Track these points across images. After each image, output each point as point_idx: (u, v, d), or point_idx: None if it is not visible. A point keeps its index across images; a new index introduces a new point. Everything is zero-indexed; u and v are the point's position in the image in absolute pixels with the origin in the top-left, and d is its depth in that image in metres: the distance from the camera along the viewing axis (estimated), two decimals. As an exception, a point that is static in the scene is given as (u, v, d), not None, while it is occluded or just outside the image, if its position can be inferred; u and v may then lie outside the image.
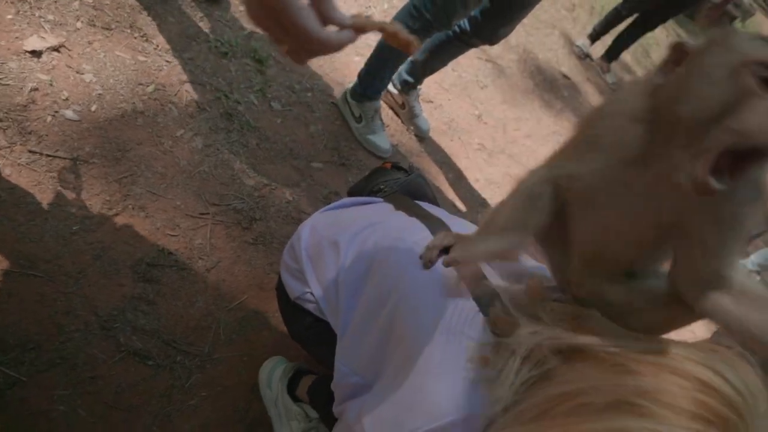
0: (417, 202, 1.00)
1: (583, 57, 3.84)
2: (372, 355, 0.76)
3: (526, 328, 0.61)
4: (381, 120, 1.89)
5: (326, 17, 0.49)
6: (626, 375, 0.53)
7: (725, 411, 0.47)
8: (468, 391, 0.62)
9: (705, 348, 0.55)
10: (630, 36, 3.77)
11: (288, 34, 0.48)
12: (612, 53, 3.89)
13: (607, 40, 3.86)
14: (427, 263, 0.76)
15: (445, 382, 0.64)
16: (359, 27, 0.51)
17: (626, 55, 4.21)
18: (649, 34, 3.91)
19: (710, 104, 0.48)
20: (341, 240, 0.86)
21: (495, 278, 0.75)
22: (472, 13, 1.58)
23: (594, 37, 3.81)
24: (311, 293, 0.89)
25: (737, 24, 6.66)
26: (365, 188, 1.15)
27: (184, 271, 1.26)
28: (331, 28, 0.50)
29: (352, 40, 0.51)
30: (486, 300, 0.69)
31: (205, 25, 1.75)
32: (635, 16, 3.66)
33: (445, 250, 0.77)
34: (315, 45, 0.49)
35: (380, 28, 0.53)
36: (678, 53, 0.53)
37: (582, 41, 3.85)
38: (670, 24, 5.02)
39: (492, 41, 1.69)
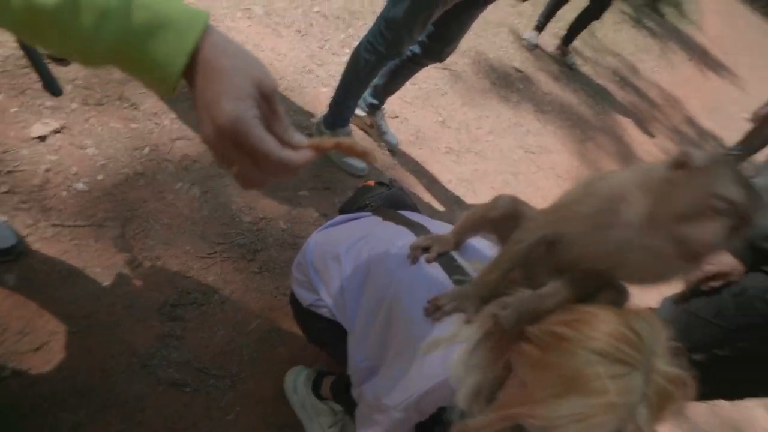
0: (400, 211, 1.19)
1: (532, 48, 4.08)
2: (377, 344, 0.94)
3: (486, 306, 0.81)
4: (354, 143, 2.07)
5: (282, 140, 0.51)
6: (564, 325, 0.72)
7: (632, 352, 0.66)
8: (447, 356, 0.81)
9: (626, 310, 0.74)
10: (585, 21, 4.06)
11: (247, 158, 0.50)
12: (568, 39, 4.17)
13: (552, 27, 4.12)
14: (414, 260, 0.95)
15: (433, 355, 0.83)
16: (316, 146, 0.54)
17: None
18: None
19: (686, 208, 0.66)
20: (341, 253, 1.05)
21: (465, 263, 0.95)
22: (420, 38, 1.79)
23: (540, 27, 4.07)
24: (322, 300, 1.07)
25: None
26: (354, 205, 1.33)
27: (204, 306, 1.43)
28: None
29: (310, 159, 0.53)
30: (458, 279, 0.88)
31: (184, 86, 1.92)
32: (588, 3, 3.94)
33: (426, 249, 0.97)
34: (277, 167, 0.51)
35: (336, 144, 0.55)
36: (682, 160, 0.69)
37: (529, 34, 4.10)
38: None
39: (441, 59, 1.90)
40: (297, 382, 1.35)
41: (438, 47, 1.82)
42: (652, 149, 4.13)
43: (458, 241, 0.98)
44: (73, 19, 0.46)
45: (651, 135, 4.34)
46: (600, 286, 0.79)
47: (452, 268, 0.92)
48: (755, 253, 1.39)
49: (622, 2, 6.14)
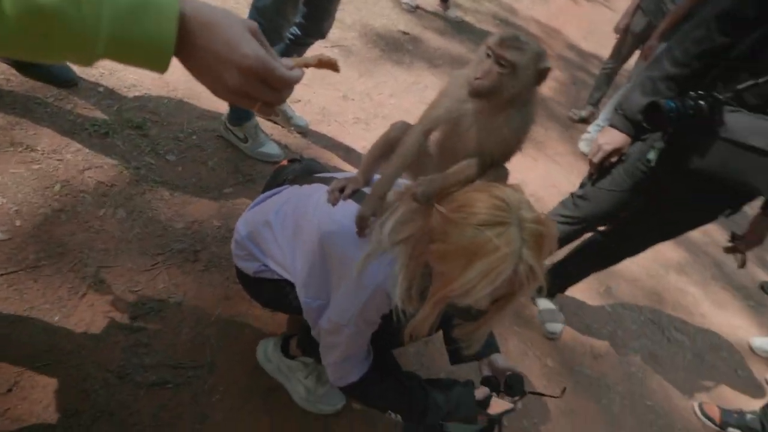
0: (314, 175, 1.32)
1: (413, 10, 4.28)
2: (320, 280, 1.08)
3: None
4: (263, 132, 2.17)
5: None
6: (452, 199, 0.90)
7: (504, 214, 0.84)
8: (378, 267, 0.96)
9: (494, 185, 0.92)
10: None
11: (268, 87, 0.58)
12: None
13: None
14: (334, 202, 1.09)
15: (366, 269, 0.98)
16: (301, 64, 0.65)
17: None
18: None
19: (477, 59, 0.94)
20: (270, 218, 1.17)
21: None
22: (297, 20, 1.90)
23: None
24: (264, 264, 1.19)
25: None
26: (273, 185, 1.44)
27: (162, 311, 1.50)
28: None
29: (302, 76, 0.62)
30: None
31: (75, 117, 1.92)
32: None
33: (342, 191, 1.11)
34: (287, 86, 0.60)
35: (317, 61, 0.70)
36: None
37: None
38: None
39: (323, 35, 2.02)
40: (267, 351, 1.46)
41: (316, 25, 1.94)
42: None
43: (366, 178, 1.13)
44: (76, 12, 0.47)
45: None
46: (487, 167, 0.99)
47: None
48: (633, 125, 1.65)
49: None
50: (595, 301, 2.54)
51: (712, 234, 3.65)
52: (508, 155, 1.06)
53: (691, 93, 1.42)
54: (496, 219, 0.83)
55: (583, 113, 4.01)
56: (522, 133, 1.03)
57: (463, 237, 0.84)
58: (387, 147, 1.11)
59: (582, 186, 1.92)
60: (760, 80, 1.37)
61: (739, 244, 1.75)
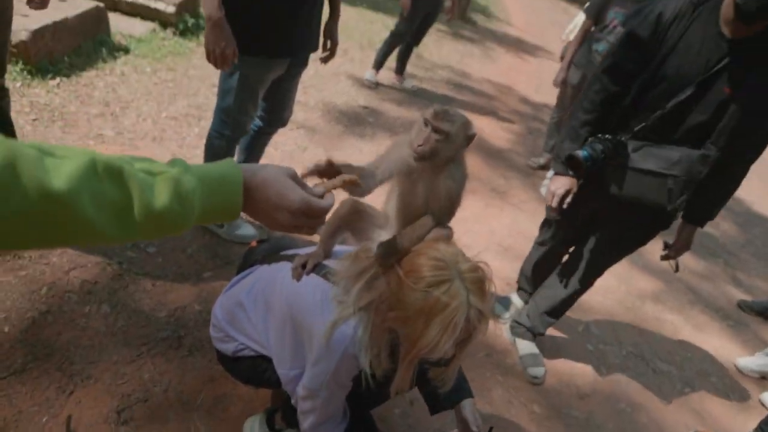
0: (281, 253, 1.44)
1: (374, 86, 4.62)
2: (294, 351, 1.17)
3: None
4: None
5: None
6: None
7: (445, 272, 0.97)
8: (344, 332, 1.07)
9: (431, 244, 1.05)
10: (408, 50, 4.67)
11: (310, 219, 0.73)
12: (400, 68, 4.78)
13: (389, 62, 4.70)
14: (297, 278, 1.20)
15: (333, 335, 1.08)
16: (330, 188, 0.80)
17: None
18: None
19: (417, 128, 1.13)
20: (242, 299, 1.27)
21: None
22: (258, 113, 2.09)
23: (378, 66, 4.60)
24: (241, 344, 1.28)
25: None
26: (245, 266, 1.55)
27: (148, 401, 1.55)
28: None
29: (333, 202, 0.77)
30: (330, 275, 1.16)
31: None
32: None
33: (304, 266, 1.23)
34: (326, 213, 0.76)
35: (342, 182, 0.85)
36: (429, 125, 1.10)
37: (368, 73, 4.64)
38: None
39: (284, 123, 2.22)
40: (254, 428, 1.50)
41: (276, 116, 2.14)
42: (497, 132, 4.79)
43: (326, 251, 1.26)
44: (180, 208, 0.60)
45: (496, 119, 5.04)
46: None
47: (325, 272, 1.19)
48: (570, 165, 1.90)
49: (436, 22, 7.09)
50: (575, 340, 2.61)
51: (684, 261, 3.80)
52: (453, 210, 1.22)
53: (599, 136, 1.70)
54: (439, 279, 0.95)
55: (541, 160, 4.27)
56: (461, 186, 1.22)
57: (417, 301, 0.96)
58: (341, 222, 1.24)
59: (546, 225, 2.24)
60: (648, 122, 1.65)
61: (670, 252, 1.93)
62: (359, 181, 0.90)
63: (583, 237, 2.12)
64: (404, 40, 4.56)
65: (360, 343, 1.06)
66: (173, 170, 0.61)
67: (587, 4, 3.72)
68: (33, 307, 1.70)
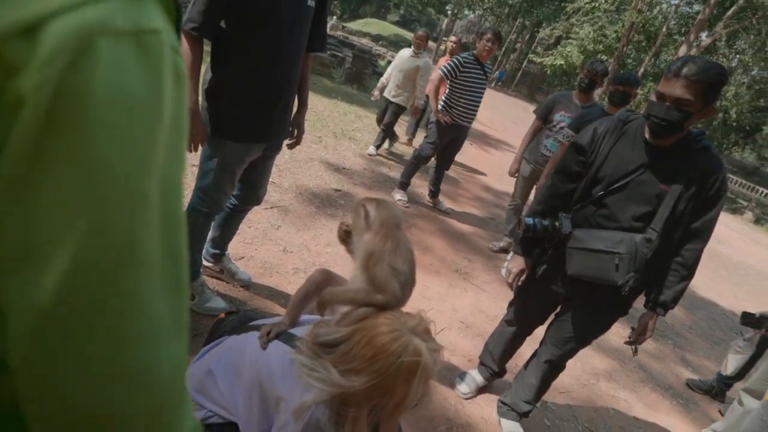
0: (248, 324, 1.55)
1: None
2: (262, 416, 1.26)
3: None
4: (209, 288, 2.40)
5: None
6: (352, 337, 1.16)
7: (398, 332, 1.12)
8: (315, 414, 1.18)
9: (378, 320, 1.21)
10: (440, 175, 4.96)
11: None
12: (435, 191, 5.04)
13: (422, 184, 5.06)
14: (263, 346, 1.32)
15: (301, 398, 1.18)
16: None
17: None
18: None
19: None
20: (211, 368, 1.37)
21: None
22: (234, 192, 2.28)
23: (404, 186, 4.85)
24: (210, 411, 1.35)
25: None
26: (214, 337, 1.65)
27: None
28: None
29: None
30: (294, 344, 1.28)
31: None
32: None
33: (269, 334, 1.35)
34: None
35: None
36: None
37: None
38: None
39: (258, 202, 2.41)
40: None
41: (250, 194, 2.33)
42: (461, 217, 5.10)
43: (292, 320, 1.39)
44: None
45: (460, 204, 5.37)
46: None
47: (290, 340, 1.31)
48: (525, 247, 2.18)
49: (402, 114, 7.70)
50: (533, 415, 2.69)
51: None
52: (373, 280, 1.39)
53: (549, 219, 2.02)
54: (402, 345, 1.10)
55: (502, 244, 4.54)
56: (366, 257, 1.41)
57: (392, 371, 1.09)
58: (309, 292, 1.39)
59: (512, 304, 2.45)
60: (597, 210, 1.95)
61: (632, 336, 2.10)
62: None
63: (548, 319, 2.32)
64: (425, 162, 4.83)
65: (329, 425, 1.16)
66: None
67: (536, 107, 4.24)
68: None
